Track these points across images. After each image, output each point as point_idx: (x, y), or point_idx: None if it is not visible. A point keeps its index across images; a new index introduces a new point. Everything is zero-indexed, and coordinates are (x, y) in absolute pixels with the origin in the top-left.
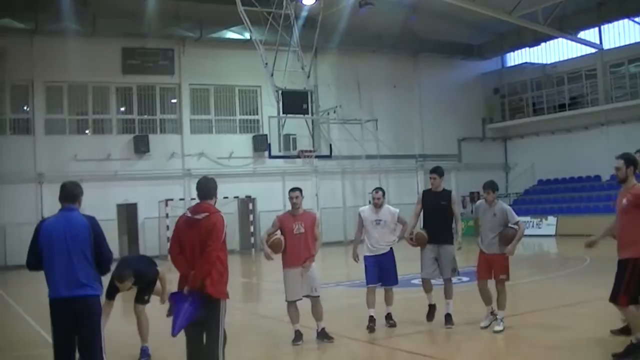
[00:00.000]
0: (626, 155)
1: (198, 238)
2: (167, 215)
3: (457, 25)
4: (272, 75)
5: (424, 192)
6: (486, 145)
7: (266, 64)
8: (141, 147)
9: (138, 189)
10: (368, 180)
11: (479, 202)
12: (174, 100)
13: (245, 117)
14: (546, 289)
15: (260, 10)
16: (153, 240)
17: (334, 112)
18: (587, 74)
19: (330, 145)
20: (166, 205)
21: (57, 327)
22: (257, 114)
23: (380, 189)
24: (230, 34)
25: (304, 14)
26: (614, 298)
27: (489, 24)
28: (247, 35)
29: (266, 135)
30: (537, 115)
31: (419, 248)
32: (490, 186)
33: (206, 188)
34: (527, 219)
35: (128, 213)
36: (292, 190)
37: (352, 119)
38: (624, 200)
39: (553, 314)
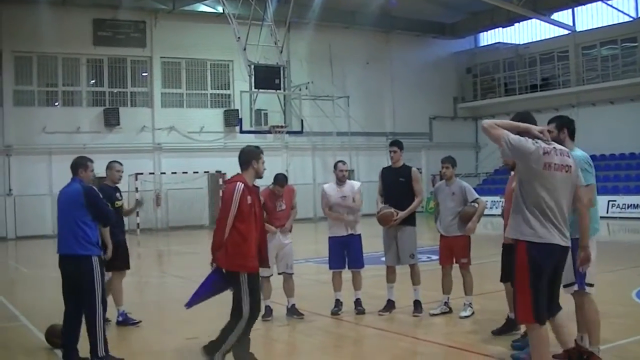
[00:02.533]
0: None
1: (219, 206)
2: (136, 189)
3: (431, 3)
4: (244, 49)
5: (384, 169)
6: (457, 124)
7: (239, 38)
8: (111, 120)
9: (107, 162)
10: (339, 157)
11: (437, 183)
12: (145, 74)
13: (217, 91)
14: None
15: None
16: None
17: (306, 87)
18: (559, 55)
19: (302, 121)
20: (136, 179)
21: (62, 279)
22: (229, 88)
23: (344, 161)
24: (203, 7)
25: None
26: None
27: (462, 3)
28: (220, 9)
29: (237, 110)
30: (508, 95)
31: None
32: (449, 160)
33: (242, 156)
34: (497, 198)
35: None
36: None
37: (323, 95)
38: (513, 184)
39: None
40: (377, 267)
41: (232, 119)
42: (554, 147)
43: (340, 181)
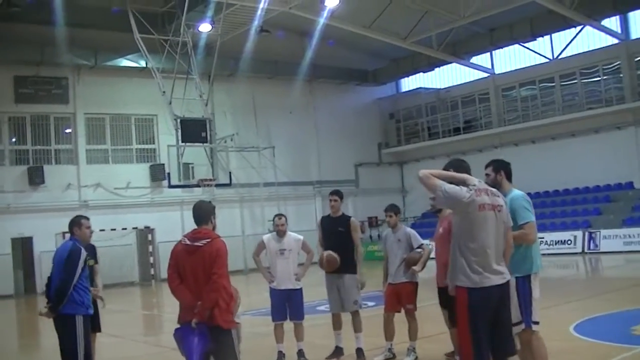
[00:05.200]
0: None
1: (201, 266)
2: None
3: (352, 51)
4: (170, 103)
5: (323, 218)
6: (383, 169)
7: (164, 92)
8: (36, 178)
9: (33, 221)
10: (266, 207)
11: (384, 232)
12: (68, 130)
13: (142, 146)
14: (434, 314)
15: (157, 37)
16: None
17: (231, 139)
18: (480, 97)
19: (230, 173)
20: (63, 237)
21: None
22: (154, 143)
23: (283, 215)
24: (126, 62)
25: (201, 41)
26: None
27: (383, 50)
28: (142, 63)
29: (163, 164)
30: (432, 139)
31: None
32: (392, 208)
33: (202, 212)
34: (426, 242)
35: (23, 247)
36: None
37: (249, 147)
38: (440, 229)
39: None
40: (314, 316)
41: (158, 174)
42: (485, 188)
43: (279, 235)
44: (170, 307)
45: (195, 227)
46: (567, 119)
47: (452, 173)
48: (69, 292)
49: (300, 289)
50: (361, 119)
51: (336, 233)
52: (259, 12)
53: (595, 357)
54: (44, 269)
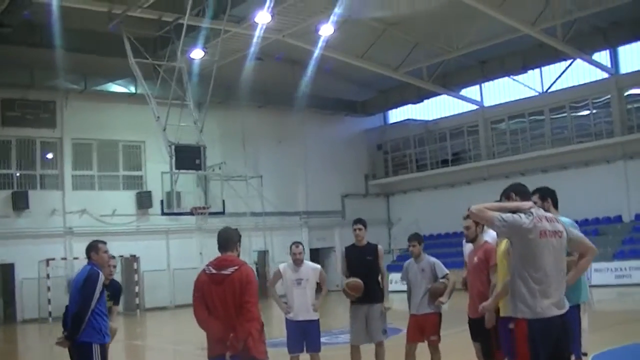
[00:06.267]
0: None
1: (231, 294)
2: (48, 276)
3: (342, 81)
4: (164, 129)
5: (347, 248)
6: (369, 201)
7: (158, 117)
8: (20, 203)
9: (16, 247)
10: (253, 237)
11: (406, 262)
12: (49, 156)
13: (129, 173)
14: (460, 343)
15: (152, 62)
16: (32, 302)
17: (219, 168)
18: (469, 130)
19: (223, 201)
20: (47, 265)
21: None
22: (141, 170)
23: (300, 243)
24: (115, 87)
25: (194, 68)
26: (490, 356)
27: (373, 81)
28: (132, 89)
29: (150, 192)
30: (420, 171)
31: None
32: (416, 238)
33: (228, 238)
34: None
35: (4, 274)
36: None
37: (236, 176)
38: (475, 259)
39: None
40: (328, 347)
41: (144, 201)
42: (544, 215)
43: (296, 264)
44: (154, 337)
45: (219, 254)
46: (557, 152)
47: (503, 203)
48: (86, 319)
49: (318, 320)
50: (349, 149)
51: (364, 262)
52: (254, 39)
53: None
54: (25, 296)
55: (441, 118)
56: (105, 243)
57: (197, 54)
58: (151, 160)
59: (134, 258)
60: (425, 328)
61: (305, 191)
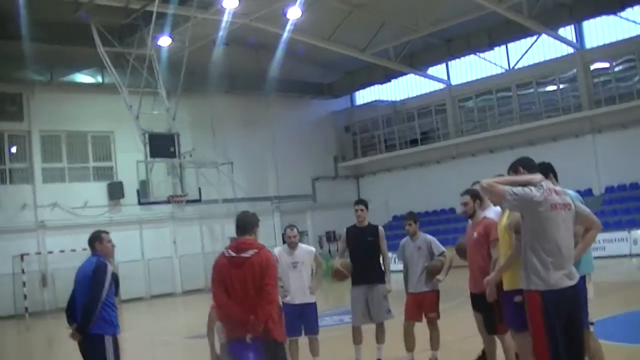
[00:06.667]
0: (471, 191)
1: (250, 277)
2: (23, 271)
3: (307, 64)
4: (137, 118)
5: (348, 229)
6: (339, 183)
7: (130, 106)
8: None
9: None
10: (225, 224)
11: (402, 240)
12: (13, 150)
13: (99, 164)
14: (457, 318)
15: (122, 51)
16: (6, 299)
17: (190, 155)
18: (437, 109)
19: (199, 189)
20: (21, 260)
21: None
22: (111, 160)
23: (295, 226)
24: (82, 78)
25: (162, 55)
26: (493, 330)
27: (339, 62)
28: (99, 79)
29: (121, 182)
30: (389, 151)
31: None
32: (412, 216)
33: (247, 222)
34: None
35: None
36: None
37: (207, 162)
38: (475, 234)
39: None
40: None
41: (116, 192)
42: (553, 188)
43: (291, 247)
44: (131, 330)
45: (237, 237)
46: (525, 128)
47: (514, 177)
48: (97, 310)
49: (315, 303)
50: (317, 132)
51: (365, 243)
52: (222, 24)
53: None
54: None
55: (409, 98)
56: (108, 233)
57: (164, 41)
58: (121, 150)
59: None
60: (423, 305)
61: (276, 176)
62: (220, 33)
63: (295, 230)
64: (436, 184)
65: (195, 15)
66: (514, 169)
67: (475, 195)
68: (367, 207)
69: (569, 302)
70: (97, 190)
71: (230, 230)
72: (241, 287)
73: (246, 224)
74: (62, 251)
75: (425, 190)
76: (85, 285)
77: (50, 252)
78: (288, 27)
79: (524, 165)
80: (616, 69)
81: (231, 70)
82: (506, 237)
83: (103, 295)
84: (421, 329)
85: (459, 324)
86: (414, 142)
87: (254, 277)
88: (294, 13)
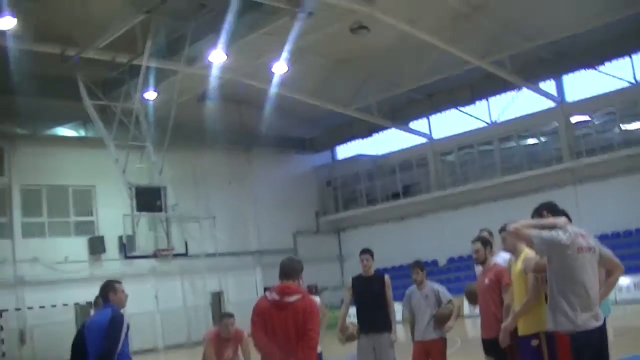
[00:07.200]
0: (482, 238)
1: (293, 322)
2: (1, 328)
3: (289, 119)
4: (124, 172)
5: (354, 278)
6: (320, 237)
7: (117, 160)
8: None
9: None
10: (207, 279)
11: (409, 289)
12: None
13: (80, 218)
14: None
15: (108, 104)
16: None
17: (173, 209)
18: (419, 162)
19: (186, 242)
20: (0, 316)
21: None
22: (92, 214)
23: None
24: (64, 131)
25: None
26: None
27: (321, 117)
28: (82, 132)
29: (102, 236)
30: (370, 205)
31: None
32: (418, 264)
33: (292, 267)
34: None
35: None
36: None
37: (190, 217)
38: (486, 280)
39: None
40: None
41: (97, 246)
42: (579, 232)
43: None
44: None
45: (280, 282)
46: (507, 180)
47: (540, 220)
48: None
49: (321, 353)
50: (299, 187)
51: (372, 292)
52: (208, 79)
53: None
54: None
55: (390, 152)
56: (120, 282)
57: (150, 95)
58: (103, 204)
59: (90, 305)
60: (431, 354)
61: (257, 230)
62: (205, 88)
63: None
64: (418, 237)
65: (182, 70)
66: (538, 213)
67: (485, 242)
68: (372, 257)
69: (597, 343)
70: (77, 245)
71: (212, 284)
72: (281, 331)
73: (291, 270)
74: (42, 307)
75: (407, 244)
76: (99, 337)
77: (30, 308)
78: (274, 81)
79: (548, 209)
80: (596, 121)
81: (214, 125)
82: (521, 282)
83: (119, 346)
84: None
85: None
86: (395, 196)
87: (297, 321)
88: (280, 68)
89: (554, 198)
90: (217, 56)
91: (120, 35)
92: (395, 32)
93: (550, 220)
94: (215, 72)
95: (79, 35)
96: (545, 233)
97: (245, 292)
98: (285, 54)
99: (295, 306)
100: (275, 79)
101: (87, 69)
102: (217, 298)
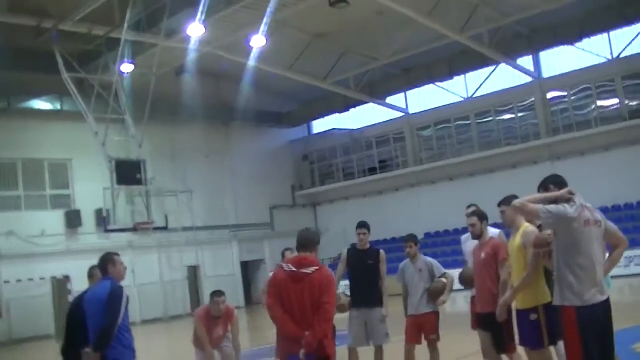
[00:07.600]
0: (478, 212)
1: (309, 294)
2: None
3: (266, 93)
4: (104, 145)
5: (349, 250)
6: (297, 212)
7: (96, 133)
8: None
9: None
10: (185, 253)
11: (402, 263)
12: None
13: (57, 192)
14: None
15: (86, 77)
16: None
17: (150, 183)
18: (395, 137)
19: (166, 216)
20: None
21: None
22: (69, 188)
23: (290, 248)
24: (40, 104)
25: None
26: (503, 349)
27: (298, 92)
28: (57, 106)
29: (79, 210)
30: (347, 180)
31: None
32: (412, 238)
33: (309, 239)
34: (346, 282)
35: None
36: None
37: (167, 191)
38: (482, 254)
39: None
40: None
41: (74, 220)
42: (585, 205)
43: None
44: None
45: (297, 253)
46: (484, 156)
47: (544, 195)
48: (114, 334)
49: (334, 327)
50: (275, 161)
51: (366, 265)
52: (186, 52)
53: None
54: None
55: (367, 127)
56: (119, 255)
57: (127, 67)
58: (79, 178)
59: (66, 279)
60: (424, 327)
61: (234, 204)
62: (184, 61)
63: (290, 254)
64: (395, 212)
65: (160, 43)
66: (544, 187)
67: (482, 216)
68: (369, 231)
69: (602, 318)
70: (54, 219)
71: (189, 258)
72: (297, 302)
73: (308, 241)
74: (19, 281)
75: (384, 219)
76: (99, 310)
77: (7, 282)
78: (252, 55)
79: (554, 182)
80: (573, 97)
81: (192, 99)
82: (520, 256)
83: (120, 319)
84: (421, 350)
85: (457, 345)
86: (372, 171)
87: (313, 293)
88: (258, 41)
89: (530, 174)
90: (196, 29)
91: (98, 7)
92: (374, 6)
93: (556, 193)
94: (193, 45)
95: (55, 7)
96: (552, 207)
97: (221, 266)
98: (263, 28)
99: (311, 278)
100: (254, 53)
101: (64, 41)
102: (193, 272)
